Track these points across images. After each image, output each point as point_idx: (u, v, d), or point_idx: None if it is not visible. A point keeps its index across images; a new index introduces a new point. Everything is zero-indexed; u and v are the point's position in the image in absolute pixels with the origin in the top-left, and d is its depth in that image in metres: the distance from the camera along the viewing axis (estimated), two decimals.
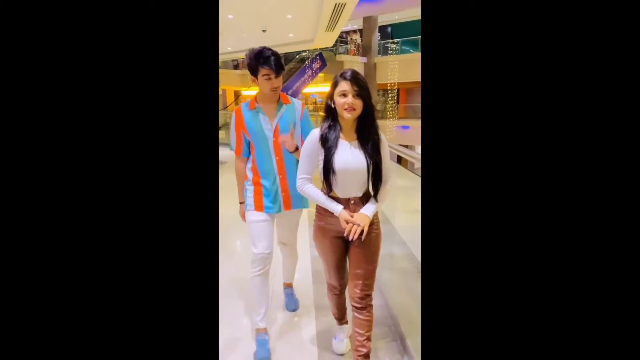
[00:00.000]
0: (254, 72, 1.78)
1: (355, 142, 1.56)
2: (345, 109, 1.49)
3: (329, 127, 1.56)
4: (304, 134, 1.89)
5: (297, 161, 1.71)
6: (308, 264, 2.93)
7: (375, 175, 1.56)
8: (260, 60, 1.73)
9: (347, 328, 1.95)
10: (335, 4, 6.43)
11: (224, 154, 3.71)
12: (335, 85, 1.52)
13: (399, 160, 4.56)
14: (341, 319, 1.95)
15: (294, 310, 2.36)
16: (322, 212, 1.65)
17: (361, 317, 1.65)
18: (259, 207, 1.91)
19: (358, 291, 1.63)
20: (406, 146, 9.98)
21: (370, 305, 1.66)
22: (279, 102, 1.88)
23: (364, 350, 1.64)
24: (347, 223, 1.54)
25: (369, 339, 1.66)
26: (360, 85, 1.49)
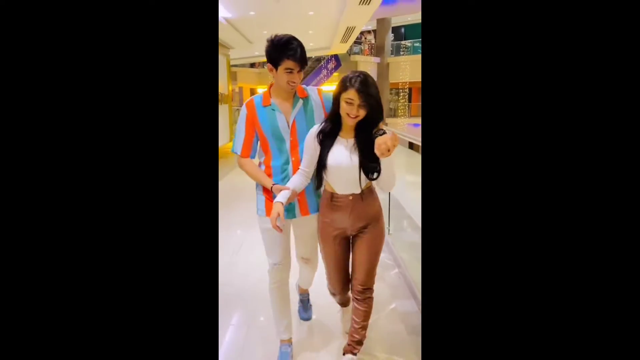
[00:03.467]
0: (274, 61, 1.58)
1: (352, 140, 1.55)
2: (349, 115, 1.48)
3: (330, 123, 1.57)
4: None
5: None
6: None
7: (366, 172, 1.54)
8: (286, 52, 1.55)
9: (345, 320, 1.96)
10: (347, 27, 7.24)
11: None
12: (344, 89, 1.48)
13: (411, 145, 5.17)
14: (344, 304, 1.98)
15: (307, 319, 2.14)
16: (326, 208, 1.66)
17: (360, 307, 1.67)
18: (270, 212, 1.64)
19: (359, 285, 1.65)
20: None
21: (370, 298, 1.68)
22: (295, 96, 1.69)
23: (358, 337, 1.70)
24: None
25: (364, 328, 1.70)
26: (368, 94, 1.45)
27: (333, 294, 1.85)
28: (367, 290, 1.68)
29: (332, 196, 1.63)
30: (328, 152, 1.57)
